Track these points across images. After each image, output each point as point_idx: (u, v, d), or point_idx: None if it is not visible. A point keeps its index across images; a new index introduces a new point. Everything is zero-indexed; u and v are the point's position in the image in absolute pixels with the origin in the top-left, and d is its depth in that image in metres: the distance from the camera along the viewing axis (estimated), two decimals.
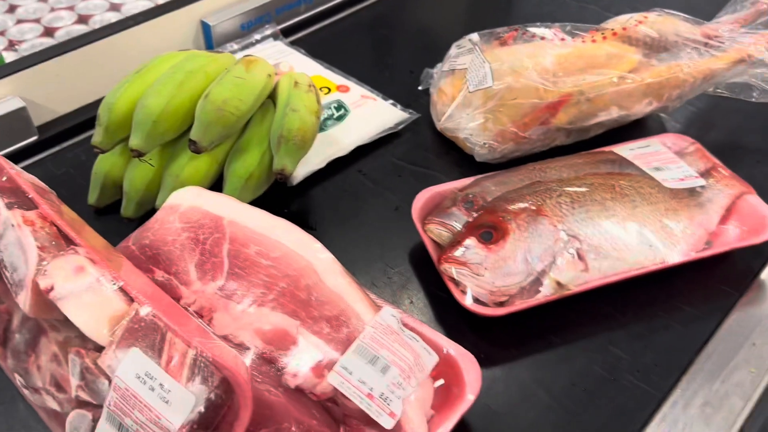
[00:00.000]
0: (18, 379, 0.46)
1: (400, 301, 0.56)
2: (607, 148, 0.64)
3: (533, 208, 0.55)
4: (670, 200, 0.58)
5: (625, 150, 0.64)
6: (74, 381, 0.41)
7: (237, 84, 0.57)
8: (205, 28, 0.81)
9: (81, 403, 0.41)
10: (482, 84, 0.62)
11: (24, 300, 0.43)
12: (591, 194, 0.57)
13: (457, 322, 0.54)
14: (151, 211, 0.60)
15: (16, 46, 0.98)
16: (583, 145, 0.69)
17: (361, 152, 0.70)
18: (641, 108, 0.65)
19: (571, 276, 0.53)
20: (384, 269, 0.59)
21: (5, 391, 0.49)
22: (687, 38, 0.66)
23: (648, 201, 0.57)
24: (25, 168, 0.68)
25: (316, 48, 0.84)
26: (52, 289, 0.41)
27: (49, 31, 1.01)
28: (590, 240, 0.54)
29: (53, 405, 0.44)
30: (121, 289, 0.41)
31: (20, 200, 0.46)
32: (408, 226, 0.62)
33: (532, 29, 0.67)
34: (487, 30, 0.70)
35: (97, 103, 0.74)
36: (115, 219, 0.62)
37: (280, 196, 0.64)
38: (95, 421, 0.40)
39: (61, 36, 1.00)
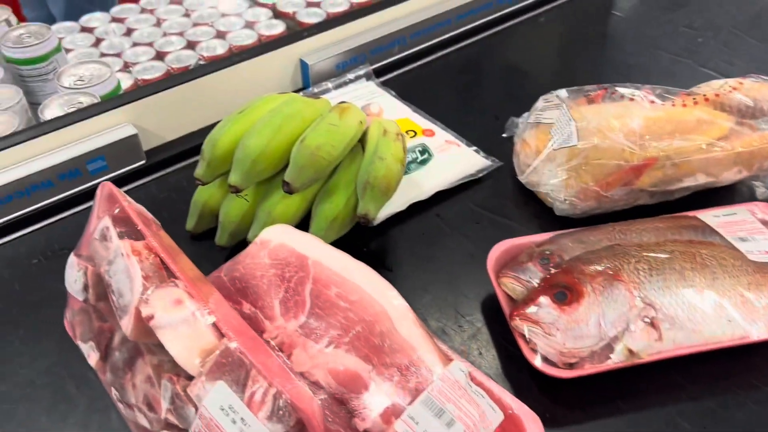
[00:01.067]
0: (114, 393, 0.51)
1: (468, 351, 0.58)
2: (691, 213, 0.63)
3: (610, 272, 0.55)
4: (753, 273, 0.57)
5: (709, 217, 0.63)
6: (165, 404, 0.45)
7: (330, 131, 0.60)
8: (304, 66, 0.85)
9: (169, 425, 0.45)
10: (567, 142, 0.63)
11: (127, 324, 0.47)
12: (670, 262, 0.56)
13: (524, 379, 0.55)
14: (243, 242, 0.64)
15: (130, 68, 1.07)
16: (667, 206, 0.68)
17: (440, 196, 0.72)
18: (730, 176, 0.64)
19: (644, 345, 0.53)
20: (455, 316, 0.61)
21: (101, 401, 0.54)
22: None
23: (730, 273, 0.56)
24: (131, 190, 0.74)
25: (406, 89, 0.87)
26: (152, 317, 0.45)
27: (160, 55, 1.10)
28: (666, 309, 0.54)
29: (144, 422, 0.48)
30: (214, 324, 0.44)
31: (130, 230, 0.51)
32: (482, 275, 0.64)
33: (621, 89, 0.67)
34: (575, 87, 0.70)
35: (200, 132, 0.81)
36: (209, 245, 0.66)
37: (360, 235, 0.67)
38: None
39: (170, 60, 1.07)
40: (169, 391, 0.45)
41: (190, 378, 0.44)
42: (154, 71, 1.04)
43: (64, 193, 0.71)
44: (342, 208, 0.61)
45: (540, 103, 0.72)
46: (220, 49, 1.09)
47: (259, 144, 0.59)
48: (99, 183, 0.72)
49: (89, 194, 0.73)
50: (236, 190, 0.60)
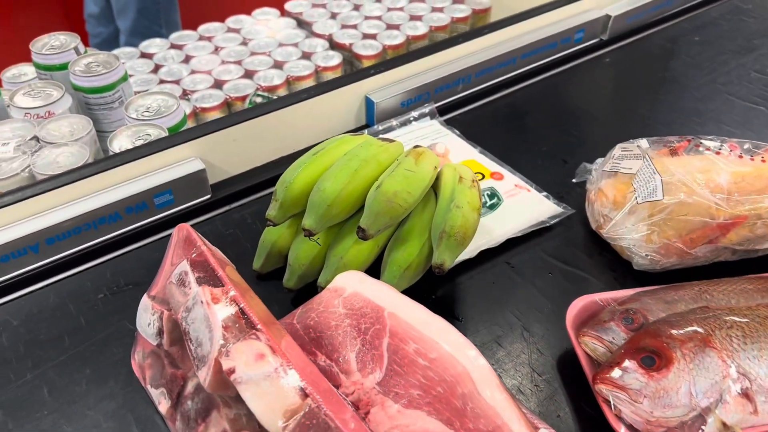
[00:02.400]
0: None
1: (547, 414, 0.55)
2: None
3: (701, 337, 0.52)
4: None
5: None
6: None
7: (407, 177, 0.59)
8: (369, 104, 0.85)
9: None
10: (652, 196, 0.61)
11: (205, 375, 0.46)
12: (765, 329, 0.53)
13: None
14: (311, 284, 0.63)
15: (188, 96, 1.07)
16: (750, 263, 0.65)
17: (510, 243, 0.70)
18: None
19: (739, 418, 0.50)
20: (531, 375, 0.58)
21: None
22: None
23: None
24: (196, 225, 0.74)
25: (469, 129, 0.86)
26: (233, 371, 0.44)
27: (218, 83, 1.10)
28: (762, 381, 0.51)
29: None
30: (298, 383, 0.43)
31: (208, 275, 0.50)
32: (557, 331, 0.62)
33: (706, 142, 0.65)
34: (656, 137, 0.68)
35: (264, 167, 0.80)
36: (275, 286, 0.65)
37: (428, 282, 0.65)
38: None
39: (228, 89, 1.08)
40: None
41: None
42: (213, 100, 1.05)
43: (130, 226, 0.71)
44: (415, 257, 0.59)
45: (617, 151, 0.70)
46: (277, 79, 1.09)
47: (335, 189, 0.58)
48: (165, 217, 0.73)
49: (155, 228, 0.72)
50: (310, 234, 0.58)
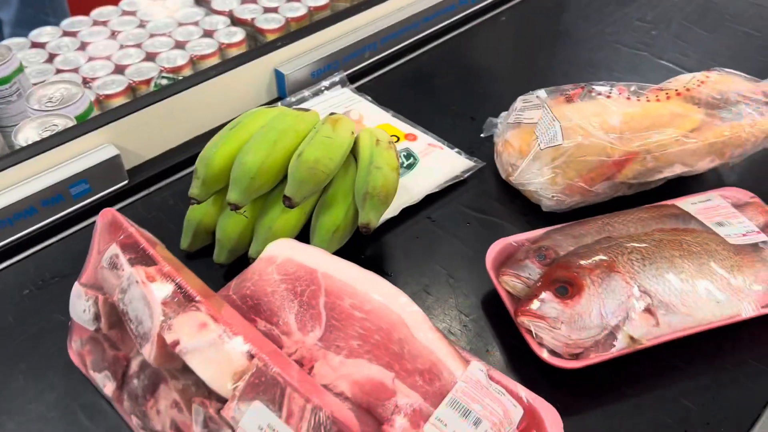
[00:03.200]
0: (135, 421, 0.51)
1: (476, 350, 0.60)
2: (669, 202, 0.67)
3: (606, 264, 0.58)
4: (734, 256, 0.61)
5: (687, 204, 0.66)
6: (197, 429, 0.45)
7: (326, 144, 0.61)
8: (279, 76, 0.86)
9: None
10: (553, 142, 0.66)
11: (149, 351, 0.47)
12: (660, 251, 0.60)
13: (533, 372, 0.57)
14: (241, 258, 0.64)
15: (89, 84, 1.04)
16: (645, 196, 0.72)
17: (429, 199, 0.74)
18: (704, 165, 0.68)
19: (644, 331, 0.56)
20: (459, 317, 0.63)
21: (117, 430, 0.53)
22: (748, 97, 0.68)
23: (714, 258, 0.60)
24: (118, 211, 0.73)
25: (381, 94, 0.88)
26: (178, 343, 0.45)
27: (119, 69, 1.07)
28: (661, 296, 0.57)
29: None
30: (243, 345, 0.45)
31: (139, 256, 0.51)
32: (479, 274, 0.66)
33: (598, 87, 0.70)
34: (553, 87, 0.73)
35: (179, 148, 0.80)
36: (205, 263, 0.66)
37: (355, 243, 0.68)
38: None
39: (131, 73, 1.05)
40: (201, 415, 0.45)
41: (222, 400, 0.44)
42: (116, 86, 1.02)
43: (47, 219, 0.70)
44: (342, 220, 0.62)
45: (519, 103, 0.75)
46: (180, 59, 1.07)
47: (257, 160, 0.59)
48: (84, 206, 0.72)
49: (74, 219, 0.71)
50: (236, 207, 0.60)
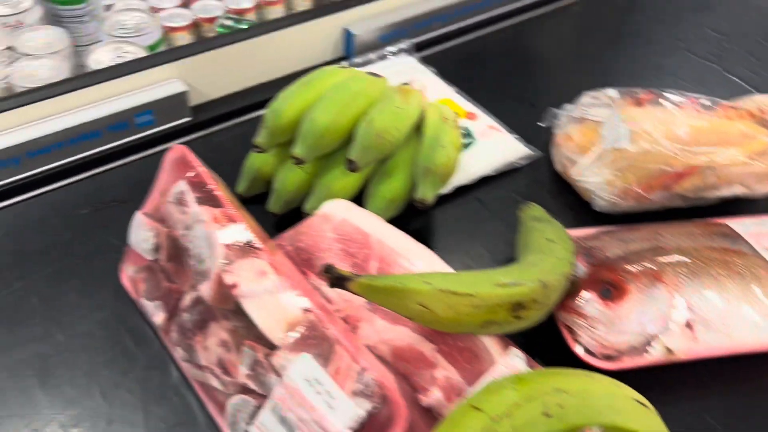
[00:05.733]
0: (180, 353, 0.53)
1: (512, 337, 0.61)
2: (722, 220, 0.67)
3: (652, 273, 0.58)
4: None
5: (739, 225, 0.66)
6: (244, 370, 0.47)
7: (396, 114, 0.61)
8: (348, 36, 0.86)
9: (246, 390, 0.47)
10: (618, 143, 0.66)
11: (207, 289, 0.49)
12: (707, 268, 0.60)
13: (564, 366, 0.58)
14: (295, 210, 0.66)
15: (155, 14, 1.05)
16: (696, 210, 0.71)
17: (481, 180, 0.75)
18: (763, 189, 0.68)
19: (681, 344, 0.57)
20: None
21: (159, 358, 0.55)
22: None
23: (760, 283, 0.60)
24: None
25: (444, 67, 0.88)
26: (236, 286, 0.47)
27: (185, 3, 1.07)
28: (702, 313, 0.57)
29: (215, 383, 0.49)
30: (299, 298, 0.46)
31: (207, 196, 0.52)
32: None
33: (669, 95, 0.70)
34: (624, 88, 0.73)
35: (244, 93, 0.81)
36: (258, 209, 0.67)
37: (403, 214, 0.69)
38: (258, 408, 0.46)
39: (197, 9, 1.05)
40: (250, 358, 0.46)
41: (272, 347, 0.46)
42: (181, 19, 1.03)
43: (110, 144, 0.71)
44: (400, 191, 0.63)
45: (586, 98, 0.74)
46: (245, 2, 1.07)
47: (327, 119, 0.60)
48: (146, 137, 0.73)
49: (136, 148, 0.73)
50: (299, 162, 0.61)
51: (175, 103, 0.73)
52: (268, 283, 0.47)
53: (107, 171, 0.71)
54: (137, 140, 0.73)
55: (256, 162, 0.66)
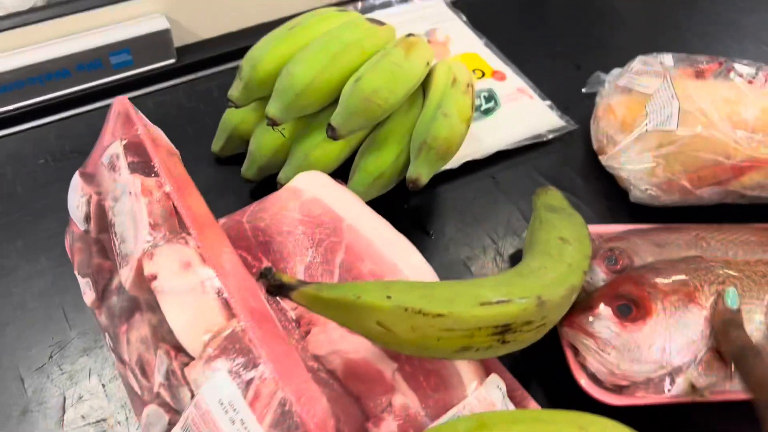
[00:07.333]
0: (108, 340, 0.46)
1: (502, 356, 0.51)
2: None
3: (687, 291, 0.47)
4: None
5: None
6: (159, 377, 0.39)
7: (392, 72, 0.51)
8: None
9: (161, 401, 0.40)
10: (665, 125, 0.53)
11: (126, 275, 0.41)
12: (759, 289, 0.48)
13: (564, 393, 0.49)
14: (271, 177, 0.57)
15: None
16: (756, 210, 0.59)
17: (499, 154, 0.64)
18: None
19: (710, 381, 0.46)
20: None
21: (96, 342, 0.49)
22: None
23: None
24: (156, 92, 0.66)
25: (477, 13, 0.76)
26: (155, 278, 0.39)
27: None
28: None
29: (135, 387, 0.42)
30: (225, 300, 0.38)
31: (142, 161, 0.44)
32: None
33: (739, 67, 0.56)
34: (683, 54, 0.59)
35: (237, 34, 0.71)
36: (234, 172, 0.59)
37: (399, 190, 0.59)
38: (171, 425, 0.39)
39: None
40: (164, 366, 0.39)
41: (189, 356, 0.38)
42: None
43: (80, 86, 0.64)
44: (390, 165, 0.53)
45: (637, 64, 0.61)
46: None
47: (307, 75, 0.50)
48: (122, 79, 0.65)
49: (109, 91, 0.65)
50: (273, 123, 0.51)
51: (156, 41, 0.65)
52: (192, 278, 0.39)
53: (73, 116, 0.63)
54: (111, 83, 0.65)
55: (233, 119, 0.57)
